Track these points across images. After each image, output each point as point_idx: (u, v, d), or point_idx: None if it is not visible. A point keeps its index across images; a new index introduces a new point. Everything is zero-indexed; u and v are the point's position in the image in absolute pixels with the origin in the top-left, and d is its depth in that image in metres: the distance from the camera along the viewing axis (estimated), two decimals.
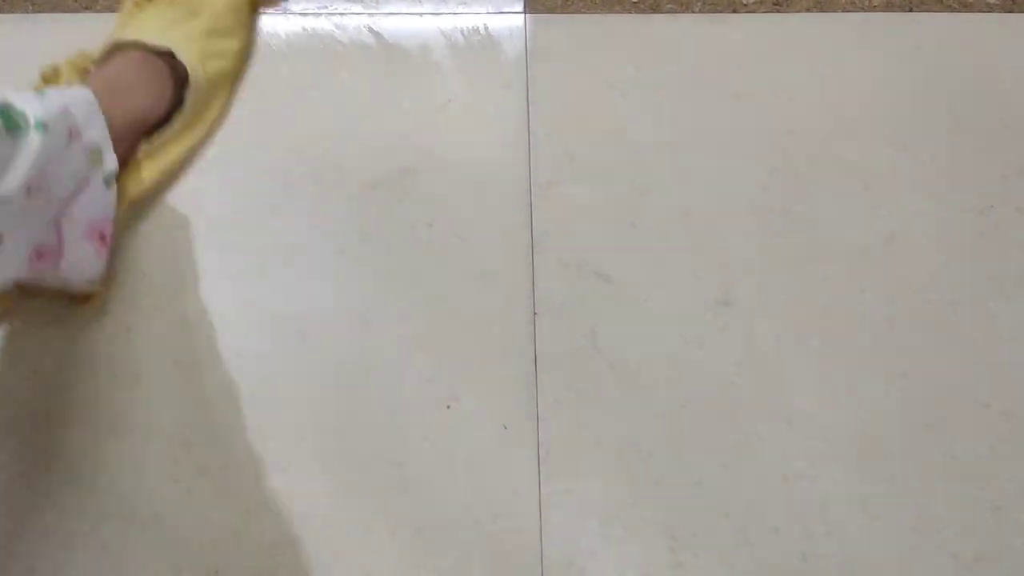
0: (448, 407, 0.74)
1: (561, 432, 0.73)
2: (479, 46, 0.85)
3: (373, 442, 0.72)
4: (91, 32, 0.85)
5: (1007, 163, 0.83)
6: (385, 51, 0.85)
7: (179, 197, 0.80)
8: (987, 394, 0.74)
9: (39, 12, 0.86)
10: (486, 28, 0.87)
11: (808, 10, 0.89)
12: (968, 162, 0.83)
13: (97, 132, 0.69)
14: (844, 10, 0.89)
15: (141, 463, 0.72)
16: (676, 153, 0.82)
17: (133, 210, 0.79)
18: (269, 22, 0.87)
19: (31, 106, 0.62)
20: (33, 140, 0.60)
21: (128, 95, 0.75)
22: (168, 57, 0.77)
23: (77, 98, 0.68)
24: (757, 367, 0.75)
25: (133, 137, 0.76)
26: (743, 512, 0.71)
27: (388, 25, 0.87)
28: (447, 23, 0.87)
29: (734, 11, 0.88)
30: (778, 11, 0.89)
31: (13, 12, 0.86)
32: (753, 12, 0.88)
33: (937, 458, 0.72)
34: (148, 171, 0.78)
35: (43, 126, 0.61)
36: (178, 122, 0.78)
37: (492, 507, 0.71)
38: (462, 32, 0.86)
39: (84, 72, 0.80)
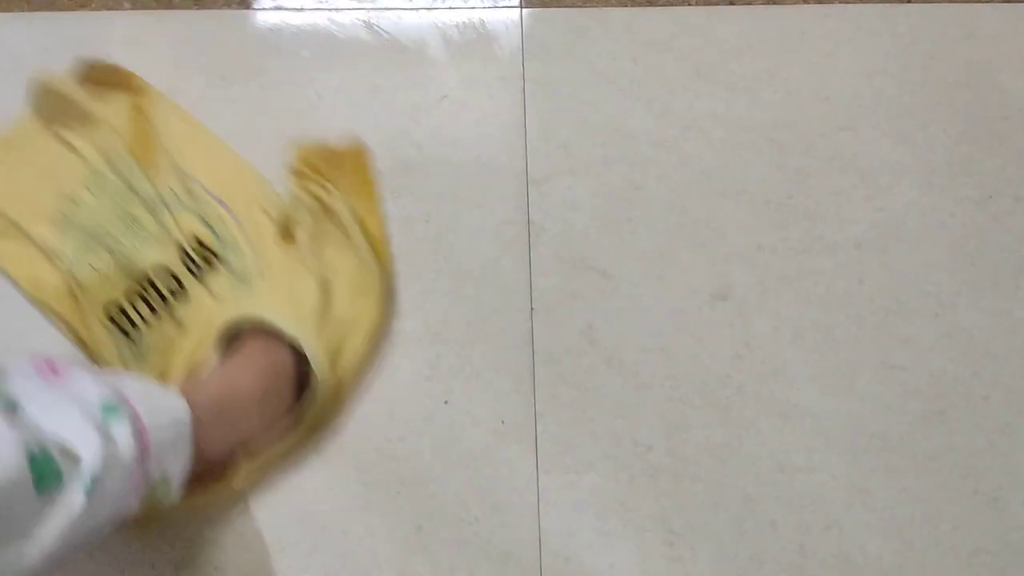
0: (446, 402, 0.74)
1: (558, 427, 0.73)
2: (475, 41, 0.85)
3: (371, 438, 0.72)
4: (86, 31, 0.85)
5: (1006, 153, 0.82)
6: (381, 46, 0.85)
7: None
8: (985, 386, 0.74)
9: (35, 11, 0.86)
10: (482, 22, 0.86)
11: (805, 2, 0.88)
12: (967, 153, 0.82)
13: (172, 466, 0.56)
14: (841, 1, 0.88)
15: None
16: (673, 147, 0.81)
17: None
18: (265, 17, 0.87)
19: (88, 449, 0.48)
20: (74, 502, 0.46)
21: (240, 417, 0.63)
22: (294, 351, 0.68)
23: (164, 420, 0.55)
24: (754, 361, 0.75)
25: (231, 457, 0.66)
26: (740, 505, 0.71)
27: (384, 20, 0.87)
28: (443, 18, 0.86)
29: (731, 3, 0.88)
30: (775, 3, 0.88)
31: (9, 11, 0.86)
32: (750, 4, 0.88)
33: (935, 451, 0.72)
34: (240, 478, 0.67)
35: (93, 483, 0.47)
36: (292, 439, 0.69)
37: (490, 502, 0.71)
38: (458, 27, 0.86)
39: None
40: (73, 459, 0.47)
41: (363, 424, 0.73)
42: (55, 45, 0.85)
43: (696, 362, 0.75)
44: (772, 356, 0.75)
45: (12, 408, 0.49)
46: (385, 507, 0.71)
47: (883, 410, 0.73)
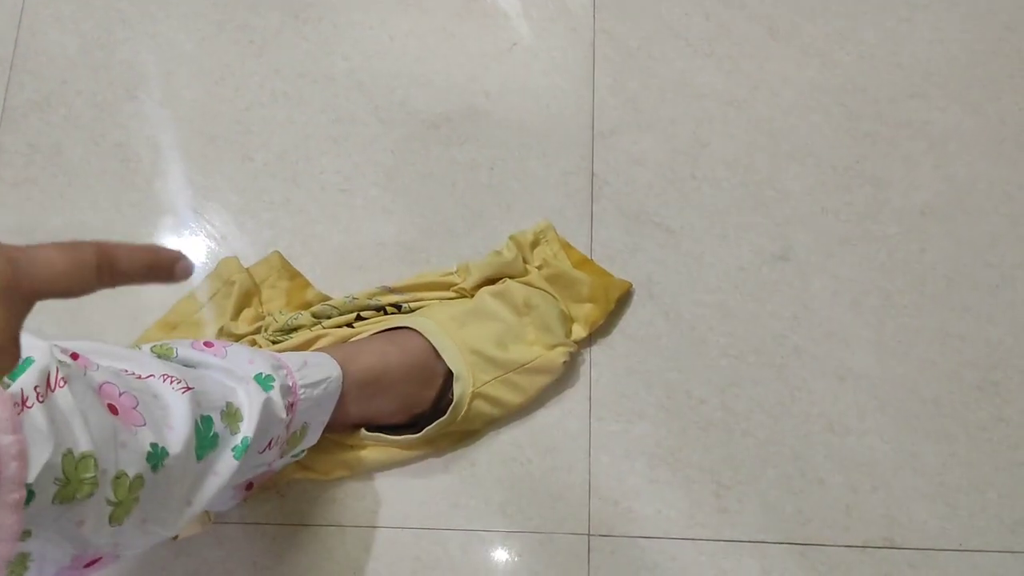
0: None
1: (613, 375, 0.74)
2: None
3: None
4: None
5: None
6: None
7: (245, 129, 0.82)
8: None
9: None
10: None
11: None
12: None
13: (315, 419, 0.61)
14: None
15: None
16: (741, 106, 0.81)
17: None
18: None
19: (247, 411, 0.52)
20: (228, 466, 0.51)
21: (378, 397, 0.67)
22: (447, 373, 0.69)
23: (316, 377, 0.59)
24: (811, 322, 0.75)
25: (356, 424, 0.69)
26: (789, 462, 0.72)
27: None
28: None
29: None
30: None
31: None
32: None
33: (987, 420, 0.73)
34: (341, 464, 0.70)
35: (245, 447, 0.52)
36: (415, 445, 0.71)
37: (543, 445, 0.73)
38: None
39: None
40: (234, 420, 0.52)
41: None
42: None
43: (753, 320, 0.75)
44: (830, 319, 0.75)
45: (192, 365, 0.54)
46: None
47: (938, 377, 0.74)
